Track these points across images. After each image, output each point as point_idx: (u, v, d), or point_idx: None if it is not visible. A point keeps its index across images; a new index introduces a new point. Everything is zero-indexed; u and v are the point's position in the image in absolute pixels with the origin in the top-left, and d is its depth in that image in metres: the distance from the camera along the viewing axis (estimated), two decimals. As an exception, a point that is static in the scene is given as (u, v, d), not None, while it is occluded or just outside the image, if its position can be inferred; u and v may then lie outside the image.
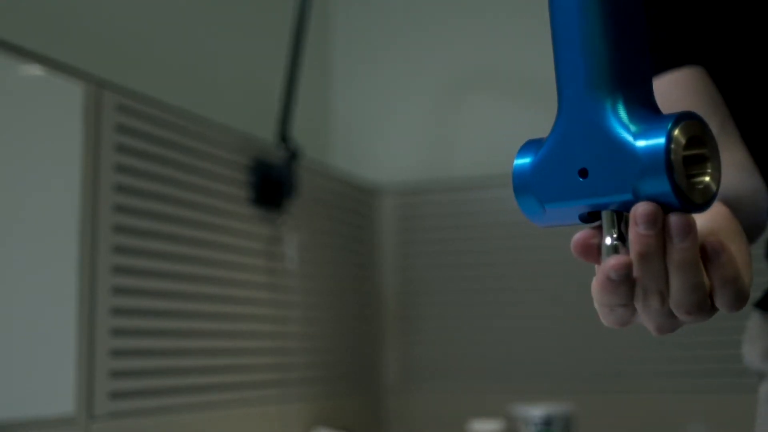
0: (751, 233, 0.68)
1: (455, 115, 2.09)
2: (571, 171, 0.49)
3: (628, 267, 0.48)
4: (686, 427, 1.73)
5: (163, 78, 1.62)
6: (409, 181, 2.07)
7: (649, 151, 0.46)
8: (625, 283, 0.49)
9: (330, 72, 2.19)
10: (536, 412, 1.63)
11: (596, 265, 0.51)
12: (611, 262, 0.48)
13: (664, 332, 0.52)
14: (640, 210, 0.47)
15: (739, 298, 0.49)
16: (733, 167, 0.71)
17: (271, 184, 1.59)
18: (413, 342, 2.01)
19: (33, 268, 1.11)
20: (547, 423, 1.62)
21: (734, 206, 0.61)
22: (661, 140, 0.46)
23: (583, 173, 0.49)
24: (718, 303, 0.50)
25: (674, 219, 0.47)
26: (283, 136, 1.63)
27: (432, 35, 2.13)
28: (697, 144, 0.48)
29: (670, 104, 0.73)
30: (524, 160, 0.52)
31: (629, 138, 0.47)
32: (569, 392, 1.80)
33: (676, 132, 0.46)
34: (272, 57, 1.82)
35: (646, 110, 0.49)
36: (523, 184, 0.52)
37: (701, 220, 0.53)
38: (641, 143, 0.47)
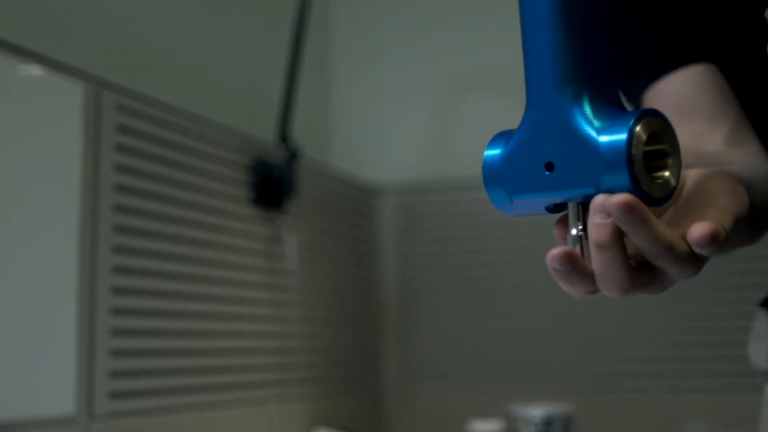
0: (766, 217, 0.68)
1: (455, 115, 2.08)
2: (538, 165, 0.51)
3: (569, 256, 0.49)
4: (686, 427, 1.73)
5: (163, 78, 1.62)
6: (409, 181, 2.07)
7: (611, 147, 0.48)
8: (574, 272, 0.50)
9: (330, 72, 2.19)
10: (536, 412, 1.63)
11: None
12: (551, 252, 0.49)
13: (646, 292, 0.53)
14: (597, 202, 0.48)
15: (712, 246, 0.49)
16: (746, 157, 0.71)
17: (271, 184, 1.59)
18: (413, 342, 2.01)
19: (33, 267, 1.11)
20: (547, 423, 1.62)
21: (746, 186, 0.61)
22: (623, 136, 0.48)
23: (550, 167, 0.50)
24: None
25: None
26: (283, 136, 1.63)
27: (432, 35, 2.13)
28: (658, 140, 0.50)
29: (683, 100, 0.74)
30: (494, 152, 0.54)
31: (593, 133, 0.49)
32: (569, 392, 1.80)
33: (638, 128, 0.48)
34: (272, 57, 1.82)
35: (610, 107, 0.50)
36: (492, 176, 0.54)
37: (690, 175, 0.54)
38: (604, 138, 0.48)
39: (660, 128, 0.50)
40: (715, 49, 0.76)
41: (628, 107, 0.53)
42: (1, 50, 1.09)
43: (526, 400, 1.71)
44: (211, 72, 1.77)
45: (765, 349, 0.84)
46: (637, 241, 0.48)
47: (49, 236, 1.14)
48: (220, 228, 1.47)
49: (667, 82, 0.76)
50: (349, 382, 1.87)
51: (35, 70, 1.15)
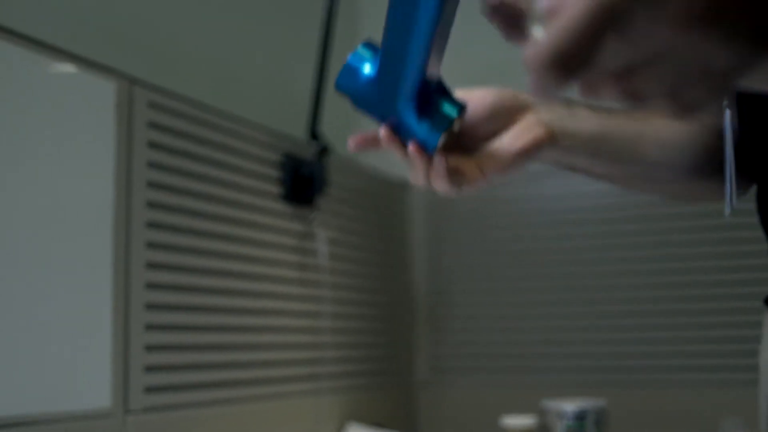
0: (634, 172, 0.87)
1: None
2: (386, 110, 0.75)
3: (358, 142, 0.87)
4: (721, 421, 1.72)
5: (194, 75, 1.63)
6: (439, 176, 2.06)
7: (444, 113, 0.75)
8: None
9: (359, 68, 2.19)
10: (569, 407, 1.62)
11: None
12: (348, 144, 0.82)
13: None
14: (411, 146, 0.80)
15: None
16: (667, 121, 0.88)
17: (302, 180, 1.59)
18: (445, 336, 2.01)
19: (69, 265, 1.12)
20: (580, 418, 1.61)
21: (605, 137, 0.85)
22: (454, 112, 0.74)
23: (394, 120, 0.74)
24: None
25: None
26: (314, 133, 1.63)
27: (457, 29, 2.12)
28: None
29: None
30: (360, 66, 0.72)
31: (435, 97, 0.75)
32: (602, 387, 1.79)
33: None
34: (302, 54, 1.82)
35: (443, 92, 0.76)
36: (348, 83, 0.72)
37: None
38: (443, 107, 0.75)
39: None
40: None
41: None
42: (35, 48, 1.11)
43: (559, 394, 1.71)
44: (242, 69, 1.78)
45: (763, 344, 0.84)
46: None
47: (84, 233, 1.15)
48: (251, 224, 1.47)
49: None
50: (381, 377, 1.87)
51: (68, 68, 1.16)
